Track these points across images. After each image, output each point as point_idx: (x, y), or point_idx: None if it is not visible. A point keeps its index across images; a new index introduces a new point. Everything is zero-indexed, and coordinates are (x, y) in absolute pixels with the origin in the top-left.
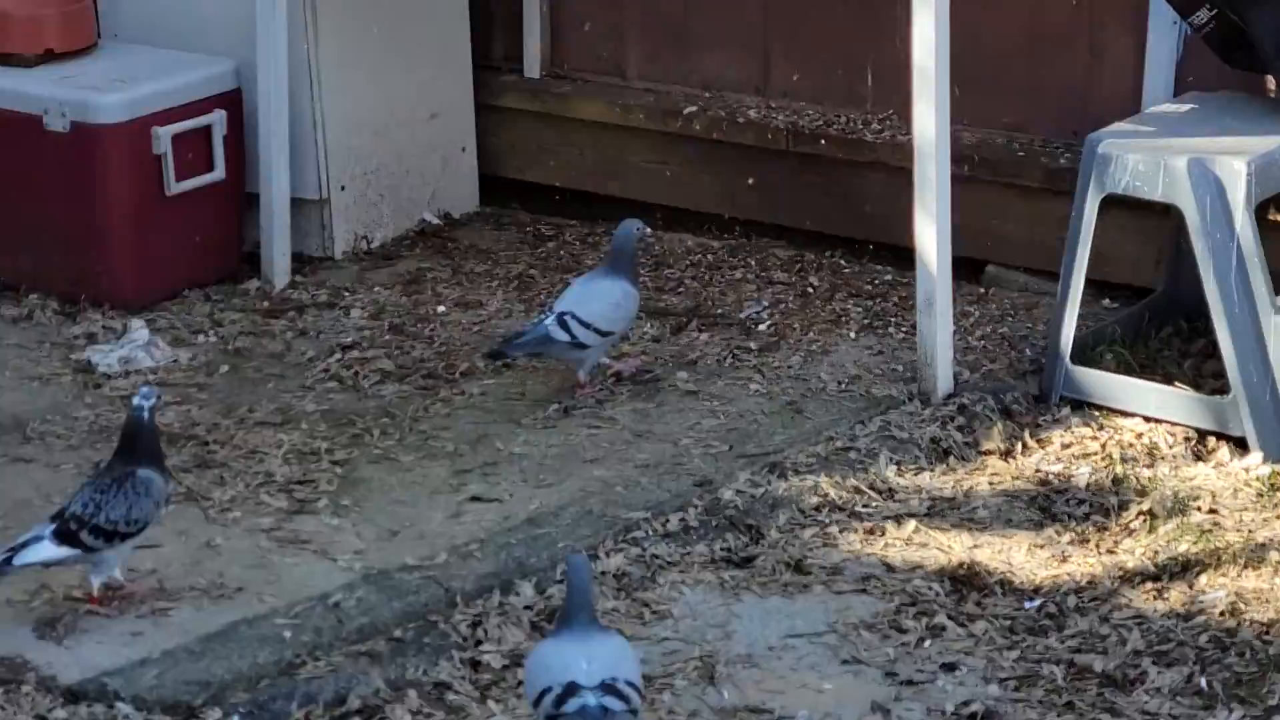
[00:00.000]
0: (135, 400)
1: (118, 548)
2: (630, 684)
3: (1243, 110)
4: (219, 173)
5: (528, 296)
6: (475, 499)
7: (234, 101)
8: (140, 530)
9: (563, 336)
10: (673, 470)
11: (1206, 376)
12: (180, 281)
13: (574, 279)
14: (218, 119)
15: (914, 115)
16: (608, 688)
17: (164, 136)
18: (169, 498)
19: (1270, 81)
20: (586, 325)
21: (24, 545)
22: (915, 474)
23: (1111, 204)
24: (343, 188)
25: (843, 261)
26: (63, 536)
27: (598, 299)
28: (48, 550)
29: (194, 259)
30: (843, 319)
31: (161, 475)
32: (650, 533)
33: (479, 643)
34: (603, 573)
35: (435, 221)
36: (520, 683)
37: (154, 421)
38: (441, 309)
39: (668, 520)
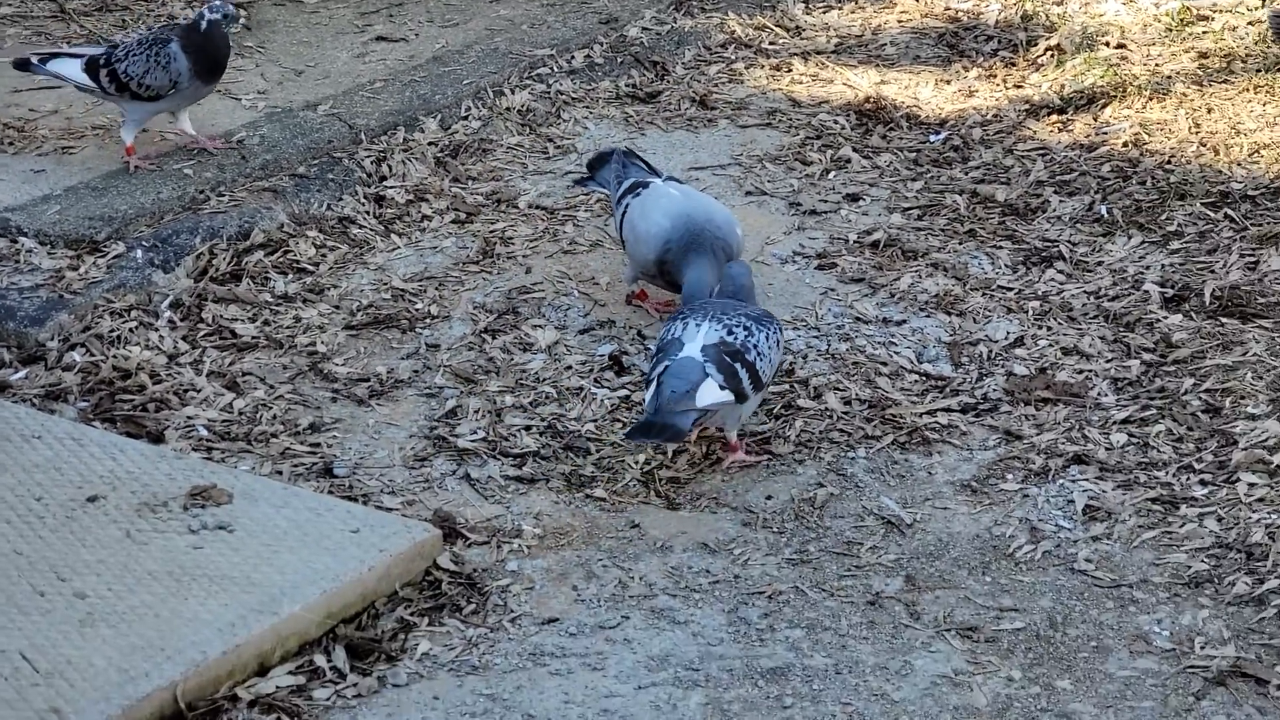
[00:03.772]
0: (203, 12)
1: (128, 103)
2: None
3: None
4: None
5: None
6: (381, 39)
7: None
8: (152, 98)
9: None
10: (579, 9)
11: None
12: None
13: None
14: None
15: None
16: None
17: None
18: (190, 89)
19: None
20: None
21: (64, 56)
22: (823, 12)
23: None
24: None
25: None
26: (89, 67)
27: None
28: (73, 71)
29: None
30: None
31: (192, 68)
32: (555, 69)
33: (383, 178)
34: (507, 109)
35: None
36: (424, 216)
37: (219, 32)
38: None
39: (573, 57)
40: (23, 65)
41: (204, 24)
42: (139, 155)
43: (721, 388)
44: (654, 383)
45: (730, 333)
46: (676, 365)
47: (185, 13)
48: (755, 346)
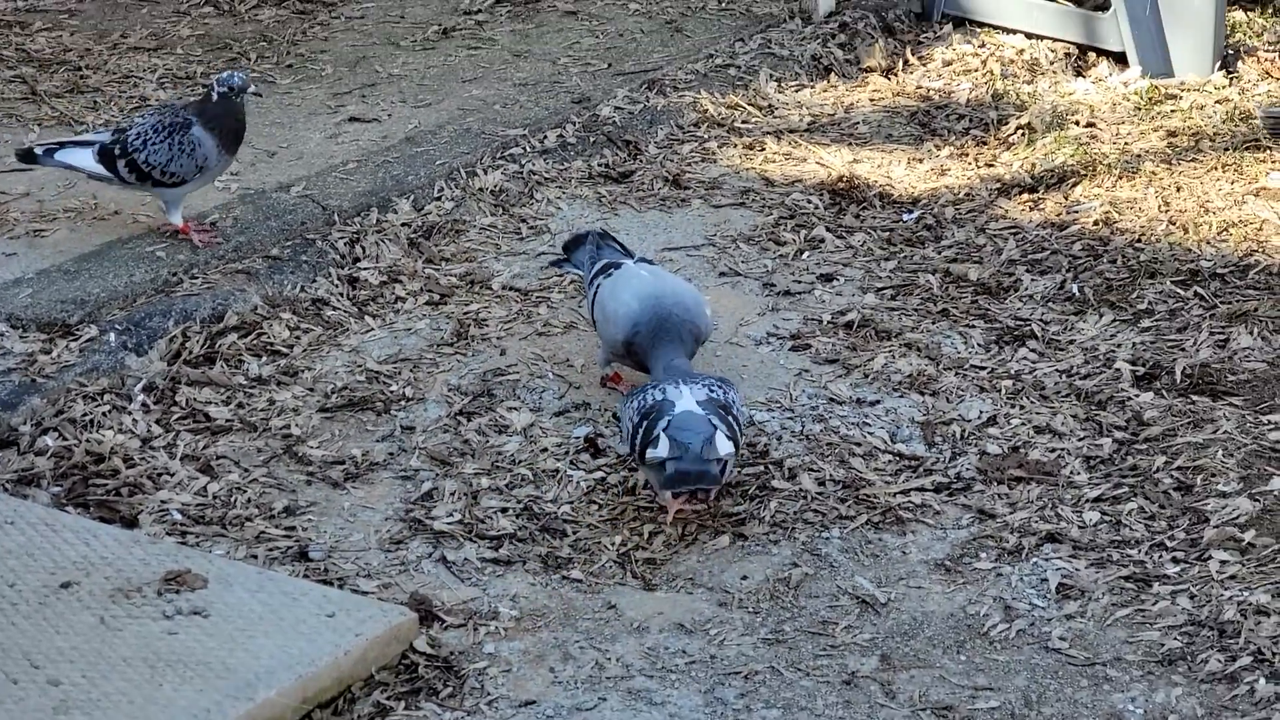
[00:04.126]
0: (214, 85)
1: (153, 190)
2: None
3: None
4: None
5: None
6: (354, 119)
7: None
8: (177, 183)
9: None
10: (551, 88)
11: None
12: None
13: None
14: None
15: None
16: None
17: None
18: (218, 167)
19: None
20: None
21: (71, 145)
22: (796, 91)
23: None
24: None
25: None
26: (103, 156)
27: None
28: (86, 161)
29: None
30: None
31: (219, 145)
32: (528, 149)
33: (357, 260)
34: (480, 189)
35: None
36: (397, 298)
37: (232, 103)
38: None
39: (545, 137)
40: (27, 157)
41: (215, 96)
42: (196, 230)
43: (727, 438)
44: (661, 440)
45: (712, 390)
46: (680, 419)
47: (158, 94)
48: (734, 403)
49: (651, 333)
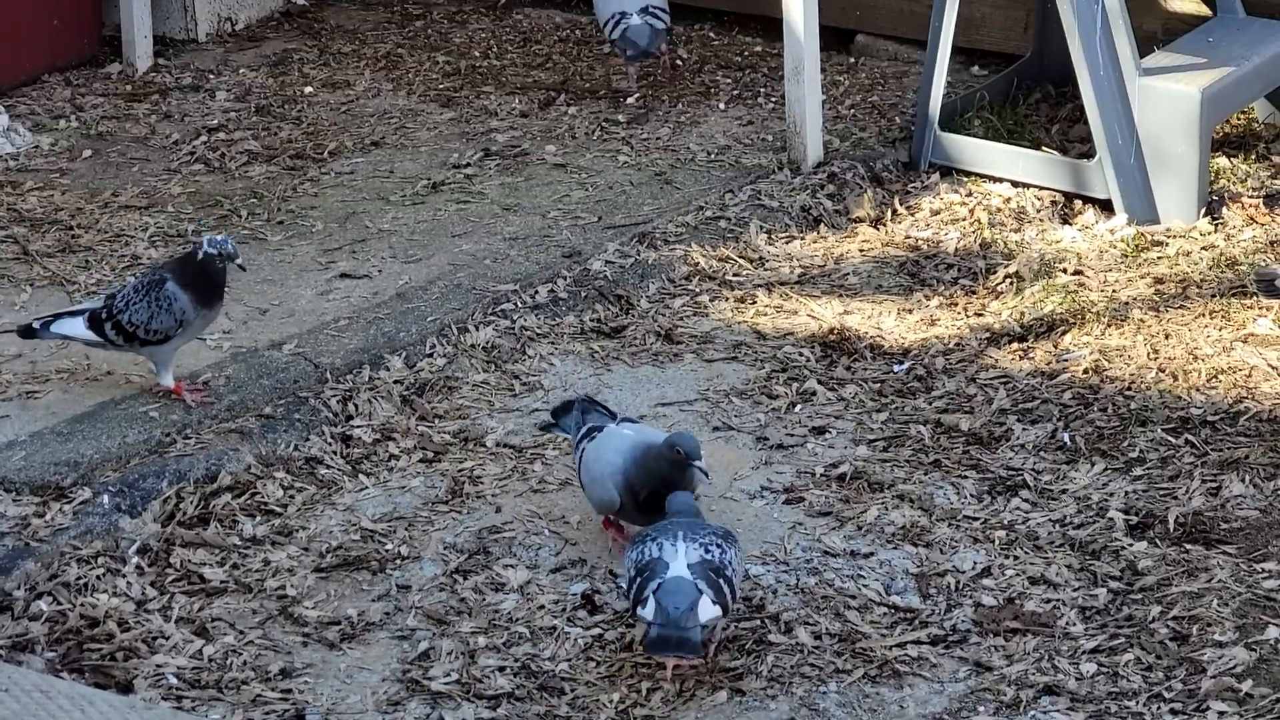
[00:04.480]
0: (202, 245)
1: (142, 349)
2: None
3: None
4: None
5: (395, 76)
6: (344, 276)
7: None
8: (161, 340)
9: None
10: (541, 242)
11: (1073, 141)
12: (38, 66)
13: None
14: None
15: None
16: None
17: None
18: (198, 321)
19: None
20: None
21: (65, 316)
22: (786, 242)
23: None
24: None
25: (712, 34)
26: (93, 322)
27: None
28: (78, 329)
29: (52, 42)
30: (712, 90)
31: (193, 300)
32: (519, 305)
33: (350, 418)
34: (472, 345)
35: (301, 2)
36: (391, 456)
37: (213, 265)
38: (309, 90)
39: (536, 292)
40: (28, 332)
41: (200, 255)
42: (188, 390)
43: (713, 603)
44: (650, 601)
45: (708, 550)
46: (670, 583)
47: (149, 253)
48: (730, 564)
49: (643, 479)
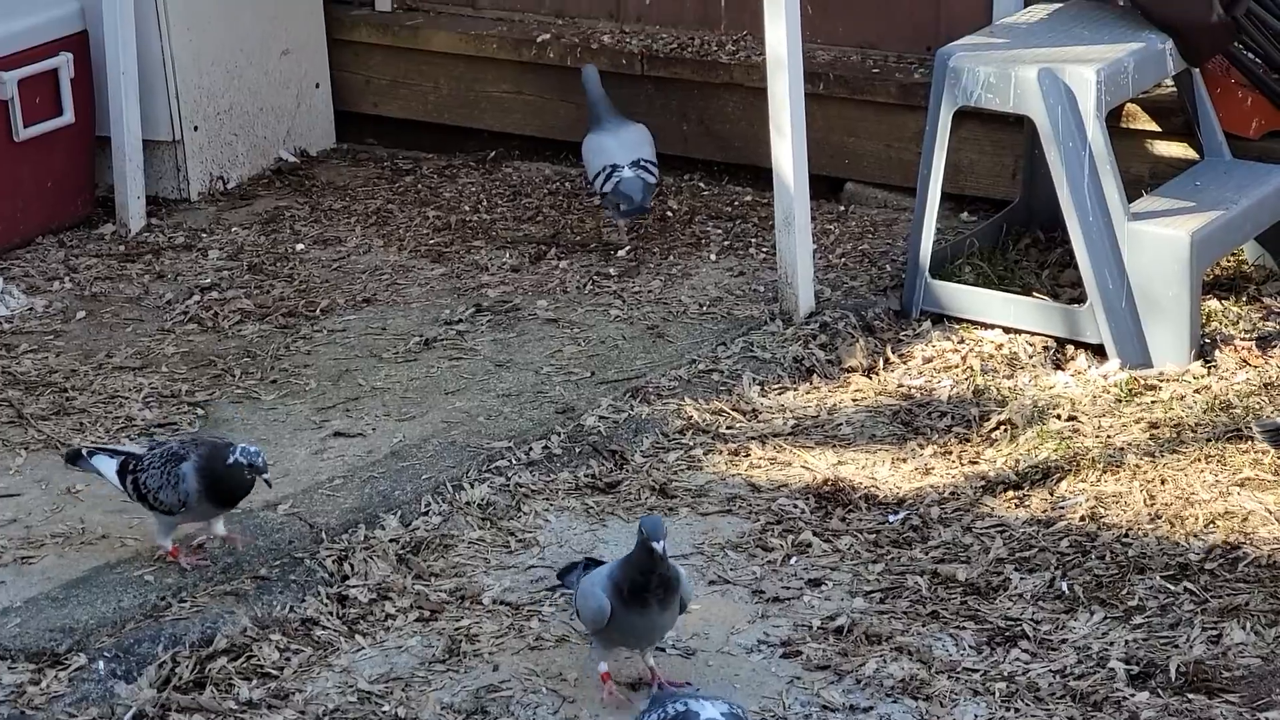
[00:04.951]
0: (239, 449)
1: (147, 511)
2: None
3: (1091, 19)
4: (68, 116)
5: (386, 231)
6: (338, 434)
7: (81, 43)
8: (166, 512)
9: None
10: (535, 399)
11: (1064, 286)
12: (33, 228)
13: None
14: (64, 61)
15: (766, 33)
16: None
17: (9, 82)
18: (199, 510)
19: None
20: None
21: (107, 453)
22: (779, 394)
23: (966, 117)
24: (196, 128)
25: (702, 184)
26: (122, 469)
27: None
28: (109, 471)
29: (46, 205)
30: (703, 241)
31: (201, 489)
32: (514, 461)
33: (345, 578)
34: (467, 503)
35: (292, 159)
36: (388, 615)
37: (240, 473)
38: (300, 247)
39: (531, 449)
40: (73, 458)
41: (230, 458)
42: (184, 555)
43: None
44: None
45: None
46: None
47: (144, 414)
48: None
49: (623, 574)
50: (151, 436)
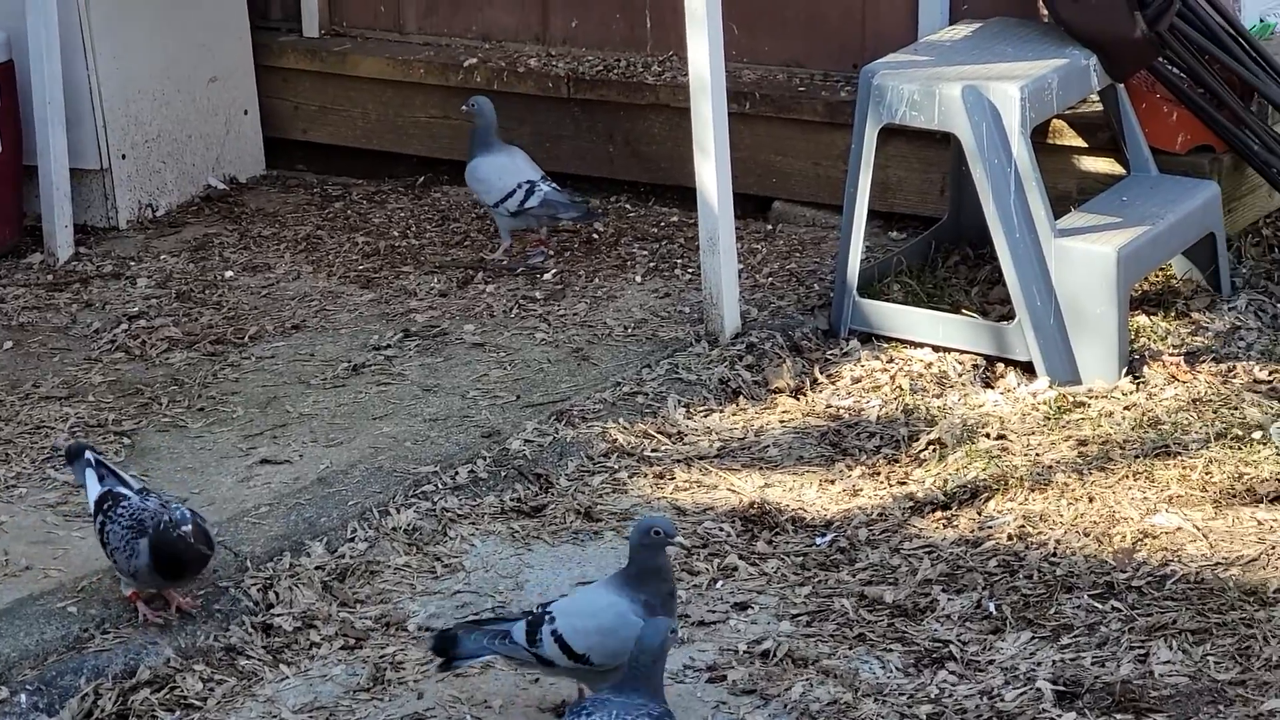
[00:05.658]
0: (176, 514)
1: (110, 561)
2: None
3: (1015, 36)
4: None
5: (315, 257)
6: (265, 461)
7: (6, 73)
8: (117, 569)
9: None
10: (461, 423)
11: (994, 302)
12: None
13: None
14: None
15: (689, 54)
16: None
17: None
18: (150, 581)
19: (1042, 6)
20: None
21: (105, 473)
22: (705, 416)
23: (894, 135)
24: (124, 156)
25: (628, 205)
26: (100, 501)
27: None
28: (91, 490)
29: None
30: (628, 263)
31: (152, 566)
32: (440, 486)
33: (270, 606)
34: (393, 529)
35: (221, 186)
36: (312, 644)
37: (170, 532)
38: (229, 274)
39: (457, 473)
40: (73, 455)
41: (162, 523)
42: (144, 603)
43: None
44: None
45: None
46: None
47: (69, 444)
48: None
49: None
50: (145, 485)
